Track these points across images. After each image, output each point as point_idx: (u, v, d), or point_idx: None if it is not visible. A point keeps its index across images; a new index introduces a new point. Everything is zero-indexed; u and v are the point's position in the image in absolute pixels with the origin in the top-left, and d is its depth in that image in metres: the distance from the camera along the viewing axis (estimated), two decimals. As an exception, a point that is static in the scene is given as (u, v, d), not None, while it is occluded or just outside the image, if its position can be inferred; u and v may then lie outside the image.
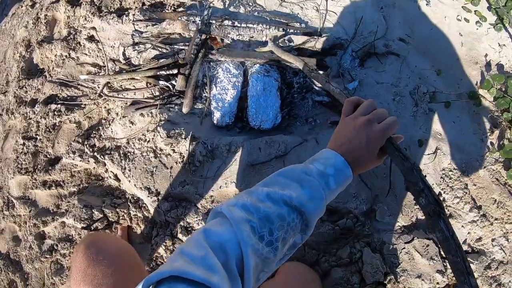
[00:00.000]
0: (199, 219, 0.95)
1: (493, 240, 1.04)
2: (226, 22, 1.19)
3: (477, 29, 1.32)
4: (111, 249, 0.67)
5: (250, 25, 1.18)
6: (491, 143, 1.13)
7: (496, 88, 1.18)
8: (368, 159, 0.53)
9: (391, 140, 0.56)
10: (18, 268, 1.13)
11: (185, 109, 1.08)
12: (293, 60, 0.94)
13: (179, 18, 1.22)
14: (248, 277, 0.40)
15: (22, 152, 1.21)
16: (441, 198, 1.03)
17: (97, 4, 1.34)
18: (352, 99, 0.61)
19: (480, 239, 1.03)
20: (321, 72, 0.83)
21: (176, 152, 1.02)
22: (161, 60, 1.15)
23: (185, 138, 1.02)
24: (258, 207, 0.45)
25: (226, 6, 1.26)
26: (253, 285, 0.42)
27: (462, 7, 1.33)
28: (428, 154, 1.06)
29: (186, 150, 1.00)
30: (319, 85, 1.09)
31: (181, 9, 1.28)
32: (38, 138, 1.21)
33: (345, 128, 0.56)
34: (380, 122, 0.55)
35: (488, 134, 1.14)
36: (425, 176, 1.03)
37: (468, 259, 1.00)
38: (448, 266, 0.99)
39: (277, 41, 1.13)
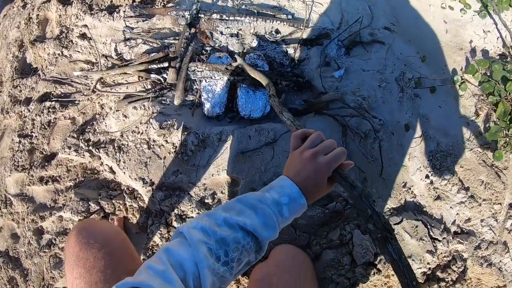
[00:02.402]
0: (192, 207, 0.97)
1: (482, 220, 1.06)
2: (214, 15, 1.21)
3: (462, 16, 1.35)
4: (101, 233, 0.70)
5: (238, 18, 1.21)
6: (477, 126, 1.16)
7: (481, 73, 1.21)
8: (317, 189, 0.57)
9: (338, 171, 0.59)
10: (18, 264, 1.15)
11: (176, 101, 1.11)
12: (258, 77, 0.97)
13: (169, 13, 1.24)
14: None
15: (18, 150, 1.23)
16: (429, 181, 1.05)
17: (88, 2, 1.36)
18: (298, 133, 0.63)
19: (469, 220, 1.06)
20: (277, 99, 0.86)
21: (168, 143, 1.04)
22: (152, 54, 1.17)
23: (177, 129, 1.04)
24: (215, 231, 0.50)
25: (215, 0, 1.29)
26: None
27: (446, -5, 1.36)
28: (415, 138, 1.08)
29: (179, 140, 1.02)
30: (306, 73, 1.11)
31: (170, 4, 1.31)
32: (34, 135, 1.23)
33: (294, 161, 0.59)
34: (327, 153, 0.58)
35: (474, 117, 1.16)
36: (414, 158, 1.06)
37: (458, 239, 1.03)
38: (438, 247, 1.02)
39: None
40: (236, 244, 0.50)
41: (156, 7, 1.28)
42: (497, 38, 1.34)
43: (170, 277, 0.43)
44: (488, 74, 1.21)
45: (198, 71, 1.06)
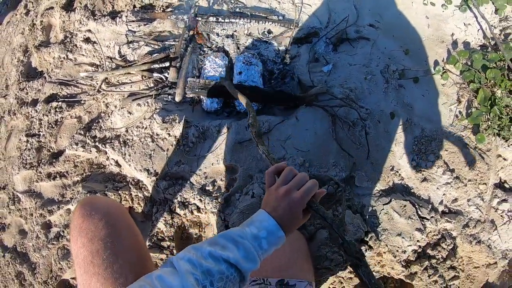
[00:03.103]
0: (194, 194, 1.04)
1: (468, 200, 1.11)
2: (211, 18, 1.30)
3: (443, 11, 1.44)
4: (103, 206, 0.74)
5: (233, 20, 1.29)
6: (459, 112, 1.23)
7: (461, 63, 1.29)
8: (293, 221, 0.63)
9: (310, 204, 0.64)
10: (25, 259, 1.18)
11: (177, 98, 1.18)
12: (242, 100, 0.99)
13: (168, 17, 1.32)
14: None
15: (26, 148, 1.29)
16: (415, 163, 1.12)
17: (91, 9, 1.44)
18: (271, 170, 0.69)
19: (456, 200, 1.11)
20: (254, 130, 0.87)
21: (171, 136, 1.11)
22: (154, 55, 1.25)
23: (179, 123, 1.11)
24: (201, 263, 0.55)
25: (211, 4, 1.37)
26: None
27: (428, -8, 1.45)
28: (400, 125, 1.15)
29: (180, 133, 1.09)
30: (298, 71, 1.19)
31: (169, 9, 1.39)
32: (41, 134, 1.29)
33: (270, 198, 0.64)
34: (300, 187, 0.64)
35: (456, 104, 1.24)
36: (400, 143, 1.13)
37: (446, 218, 1.08)
38: (427, 225, 1.07)
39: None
40: (220, 275, 0.54)
41: (156, 11, 1.36)
42: (478, 30, 1.42)
43: None
44: (469, 63, 1.30)
45: (195, 87, 1.14)
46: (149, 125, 1.14)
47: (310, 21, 1.32)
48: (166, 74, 1.24)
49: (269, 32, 1.30)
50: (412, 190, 1.10)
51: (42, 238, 1.17)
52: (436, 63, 1.32)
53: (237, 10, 1.35)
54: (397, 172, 1.10)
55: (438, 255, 1.05)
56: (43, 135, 1.29)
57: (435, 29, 1.39)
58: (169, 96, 1.21)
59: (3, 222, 1.29)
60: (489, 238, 1.10)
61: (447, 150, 1.16)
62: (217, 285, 0.54)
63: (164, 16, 1.33)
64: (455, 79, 1.29)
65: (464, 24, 1.42)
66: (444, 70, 1.28)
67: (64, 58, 1.39)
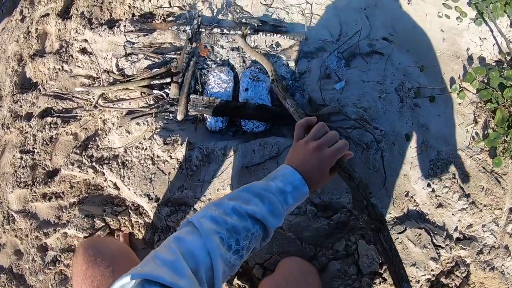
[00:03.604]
0: (198, 222, 0.98)
1: (483, 226, 1.08)
2: (215, 30, 1.22)
3: (458, 24, 1.38)
4: (108, 251, 0.71)
5: (239, 32, 1.22)
6: (476, 133, 1.18)
7: (478, 81, 1.23)
8: (320, 178, 0.59)
9: (339, 163, 0.61)
10: (22, 281, 1.14)
11: (179, 116, 1.11)
12: (260, 60, 0.93)
13: (170, 28, 1.25)
14: (218, 285, 0.45)
15: (20, 166, 1.23)
16: (431, 189, 1.07)
17: (88, 17, 1.36)
18: (302, 123, 0.64)
19: (470, 225, 1.08)
20: (280, 85, 0.82)
21: (173, 158, 1.05)
22: (154, 70, 1.18)
23: (181, 144, 1.05)
24: (225, 220, 0.50)
25: (215, 14, 1.29)
26: None
27: (443, 4, 1.39)
28: (416, 148, 1.10)
29: (183, 155, 1.03)
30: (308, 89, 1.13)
31: (170, 18, 1.31)
32: (36, 151, 1.23)
33: (297, 152, 0.60)
34: (331, 145, 0.60)
35: (473, 125, 1.19)
36: (415, 167, 1.08)
37: (460, 245, 1.04)
38: (441, 253, 1.03)
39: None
40: (246, 232, 0.50)
41: (156, 21, 1.29)
42: (493, 45, 1.36)
43: (181, 268, 0.42)
44: (486, 81, 1.24)
45: (198, 104, 1.07)
46: (149, 146, 1.07)
47: (321, 34, 1.25)
48: (167, 91, 1.17)
49: (278, 45, 1.23)
50: (427, 217, 1.05)
51: (39, 262, 1.12)
52: (452, 80, 1.26)
53: (243, 20, 1.28)
54: (412, 197, 1.05)
55: (451, 283, 1.02)
56: (38, 152, 1.22)
57: (450, 43, 1.33)
58: (171, 114, 1.14)
59: (-3, 241, 1.24)
60: (502, 264, 1.07)
61: (463, 174, 1.11)
62: (242, 244, 0.50)
63: (165, 26, 1.26)
64: (472, 97, 1.23)
65: (480, 38, 1.36)
66: (461, 89, 1.22)
67: (59, 69, 1.32)
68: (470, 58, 1.33)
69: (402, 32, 1.30)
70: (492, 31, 1.37)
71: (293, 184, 0.56)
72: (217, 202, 0.54)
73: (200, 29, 1.21)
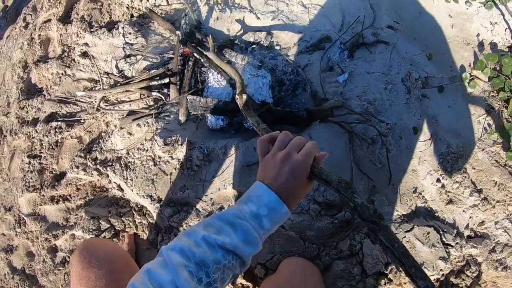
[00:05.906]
0: (201, 223, 0.98)
1: (496, 223, 1.02)
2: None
3: (467, 9, 1.30)
4: (102, 253, 0.72)
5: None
6: (488, 125, 1.12)
7: (490, 68, 1.16)
8: (299, 189, 0.54)
9: (312, 169, 0.56)
10: (34, 282, 1.18)
11: (182, 118, 1.11)
12: (229, 71, 0.88)
13: (166, 29, 1.23)
14: None
15: (28, 170, 1.26)
16: (440, 184, 1.03)
17: (88, 20, 1.37)
18: (264, 138, 0.60)
19: (482, 222, 1.02)
20: (244, 98, 0.78)
21: (174, 159, 1.04)
22: (152, 71, 1.17)
23: (181, 145, 1.04)
24: (194, 252, 0.48)
25: (203, 18, 1.27)
26: None
27: (451, -12, 1.31)
28: (424, 141, 1.05)
29: (184, 156, 1.02)
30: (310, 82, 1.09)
31: (165, 16, 1.30)
32: (43, 155, 1.25)
33: (267, 167, 0.55)
34: (299, 150, 0.55)
35: (485, 115, 1.12)
36: (424, 162, 1.03)
37: (472, 243, 1.00)
38: (451, 252, 0.99)
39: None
40: (216, 265, 0.48)
41: (154, 21, 1.27)
42: (505, 30, 1.28)
43: None
44: (498, 68, 1.17)
45: (196, 106, 1.06)
46: (151, 147, 1.07)
47: (322, 24, 1.21)
48: (166, 91, 1.16)
49: (278, 39, 1.20)
50: (436, 214, 1.01)
51: (49, 263, 1.16)
52: (462, 68, 1.19)
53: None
54: (421, 194, 1.01)
55: (461, 283, 0.98)
56: (44, 156, 1.25)
57: (459, 29, 1.26)
58: (171, 115, 1.14)
59: (11, 244, 1.28)
60: (516, 263, 1.02)
61: (474, 168, 1.06)
62: (213, 277, 0.48)
63: (163, 26, 1.24)
64: (484, 86, 1.17)
65: (491, 23, 1.28)
66: (472, 77, 1.16)
67: (62, 74, 1.34)
68: (480, 44, 1.25)
69: (408, 20, 1.24)
70: (503, 15, 1.28)
71: (269, 206, 0.52)
72: (189, 230, 0.52)
73: (193, 30, 1.19)
